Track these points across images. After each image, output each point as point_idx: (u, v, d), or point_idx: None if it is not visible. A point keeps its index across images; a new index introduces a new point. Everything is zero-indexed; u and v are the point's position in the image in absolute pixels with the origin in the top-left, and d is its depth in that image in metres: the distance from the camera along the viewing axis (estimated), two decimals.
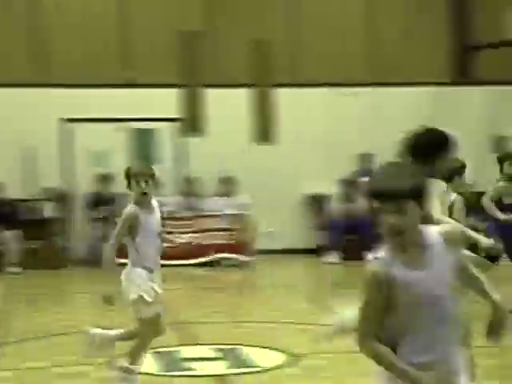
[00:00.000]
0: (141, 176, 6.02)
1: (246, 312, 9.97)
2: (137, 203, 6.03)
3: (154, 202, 6.14)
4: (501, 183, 9.18)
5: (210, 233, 14.09)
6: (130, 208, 6.02)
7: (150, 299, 5.96)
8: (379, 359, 2.96)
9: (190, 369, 6.83)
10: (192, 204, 14.40)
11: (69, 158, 14.72)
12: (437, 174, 4.87)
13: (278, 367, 6.81)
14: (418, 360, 2.95)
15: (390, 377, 2.97)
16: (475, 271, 3.22)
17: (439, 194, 4.97)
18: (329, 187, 14.53)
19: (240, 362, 7.09)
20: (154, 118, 14.68)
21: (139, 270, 5.97)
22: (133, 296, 5.95)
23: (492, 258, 6.07)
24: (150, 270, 6.00)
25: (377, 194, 2.92)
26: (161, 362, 7.03)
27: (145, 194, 6.00)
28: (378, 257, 3.01)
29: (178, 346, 7.65)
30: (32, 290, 12.06)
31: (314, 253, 14.41)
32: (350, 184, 14.39)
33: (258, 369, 6.82)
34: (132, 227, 5.95)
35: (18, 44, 14.96)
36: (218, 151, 14.54)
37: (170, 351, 7.37)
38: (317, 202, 14.99)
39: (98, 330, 6.21)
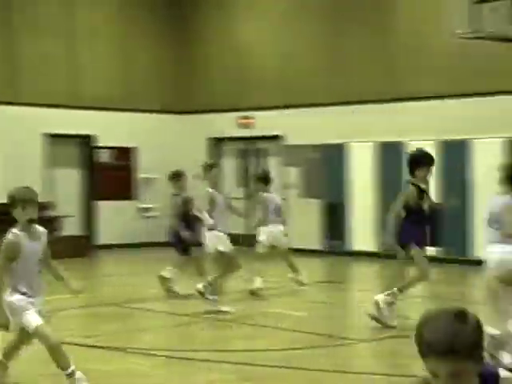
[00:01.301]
0: (29, 202, 5.79)
1: None
2: (22, 230, 5.84)
3: (40, 228, 5.94)
4: None
5: None
6: (12, 235, 5.80)
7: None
8: None
9: None
10: None
11: None
12: None
13: None
14: None
15: None
16: None
17: None
18: None
19: None
20: None
21: (18, 297, 5.86)
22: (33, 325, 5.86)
23: None
24: (29, 296, 5.87)
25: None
26: None
27: (31, 220, 5.81)
28: None
29: None
30: None
31: None
32: None
33: None
34: (14, 255, 5.76)
35: None
36: None
37: None
38: None
39: None
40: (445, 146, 15.59)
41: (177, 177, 11.68)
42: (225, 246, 9.97)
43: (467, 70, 15.27)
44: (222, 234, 9.91)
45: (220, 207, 9.95)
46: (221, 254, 9.93)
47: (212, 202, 9.79)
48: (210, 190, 9.93)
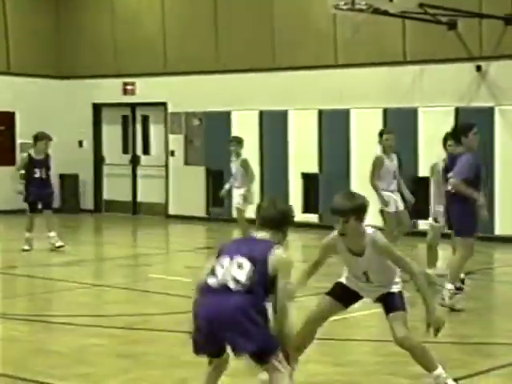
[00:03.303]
0: None
1: None
2: None
3: None
4: None
5: None
6: None
7: None
8: None
9: None
10: None
11: None
12: None
13: None
14: None
15: None
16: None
17: None
18: None
19: None
20: None
21: None
22: None
23: None
24: None
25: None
26: None
27: None
28: None
29: None
30: None
31: None
32: None
33: None
34: None
35: None
36: None
37: None
38: None
39: None
40: (327, 115, 16.00)
41: (35, 139, 12.98)
42: (397, 205, 11.08)
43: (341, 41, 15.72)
44: (390, 194, 11.06)
45: (387, 170, 11.09)
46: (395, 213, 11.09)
47: (379, 166, 10.95)
48: (379, 154, 11.14)
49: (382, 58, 15.29)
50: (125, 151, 19.20)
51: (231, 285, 4.55)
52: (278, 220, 4.78)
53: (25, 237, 12.66)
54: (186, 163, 17.85)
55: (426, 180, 12.64)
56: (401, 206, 11.17)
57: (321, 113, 16.04)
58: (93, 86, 19.02)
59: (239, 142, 13.27)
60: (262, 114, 16.70)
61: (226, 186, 13.45)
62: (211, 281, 4.63)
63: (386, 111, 15.30)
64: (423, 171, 14.01)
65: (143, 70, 18.23)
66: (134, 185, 19.05)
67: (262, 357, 4.56)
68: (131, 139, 19.09)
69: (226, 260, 4.64)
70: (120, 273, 11.33)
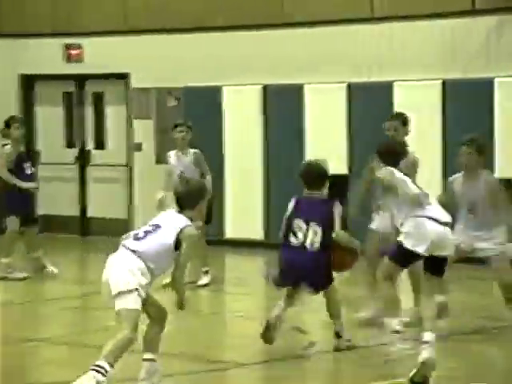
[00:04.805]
0: None
1: None
2: None
3: None
4: None
5: None
6: None
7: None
8: None
9: None
10: None
11: None
12: None
13: None
14: None
15: None
16: None
17: None
18: None
19: None
20: None
21: None
22: None
23: None
24: None
25: None
26: None
27: None
28: None
29: None
30: None
31: None
32: None
33: None
34: None
35: None
36: None
37: None
38: None
39: None
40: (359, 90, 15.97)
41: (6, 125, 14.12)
42: None
43: None
44: None
45: None
46: None
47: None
48: None
49: (442, 6, 15.25)
50: (69, 144, 19.25)
51: (308, 246, 9.06)
52: (320, 180, 9.34)
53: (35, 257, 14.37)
54: (158, 161, 17.60)
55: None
56: None
57: (350, 88, 16.02)
58: (20, 48, 18.96)
59: (190, 128, 13.66)
60: (266, 89, 16.78)
61: (159, 196, 13.03)
62: (294, 240, 9.12)
63: (445, 84, 15.23)
64: (502, 169, 14.12)
65: (94, 26, 18.26)
66: (83, 193, 19.08)
67: (323, 290, 9.22)
68: (78, 127, 19.12)
69: (302, 224, 9.09)
70: (62, 321, 11.39)
